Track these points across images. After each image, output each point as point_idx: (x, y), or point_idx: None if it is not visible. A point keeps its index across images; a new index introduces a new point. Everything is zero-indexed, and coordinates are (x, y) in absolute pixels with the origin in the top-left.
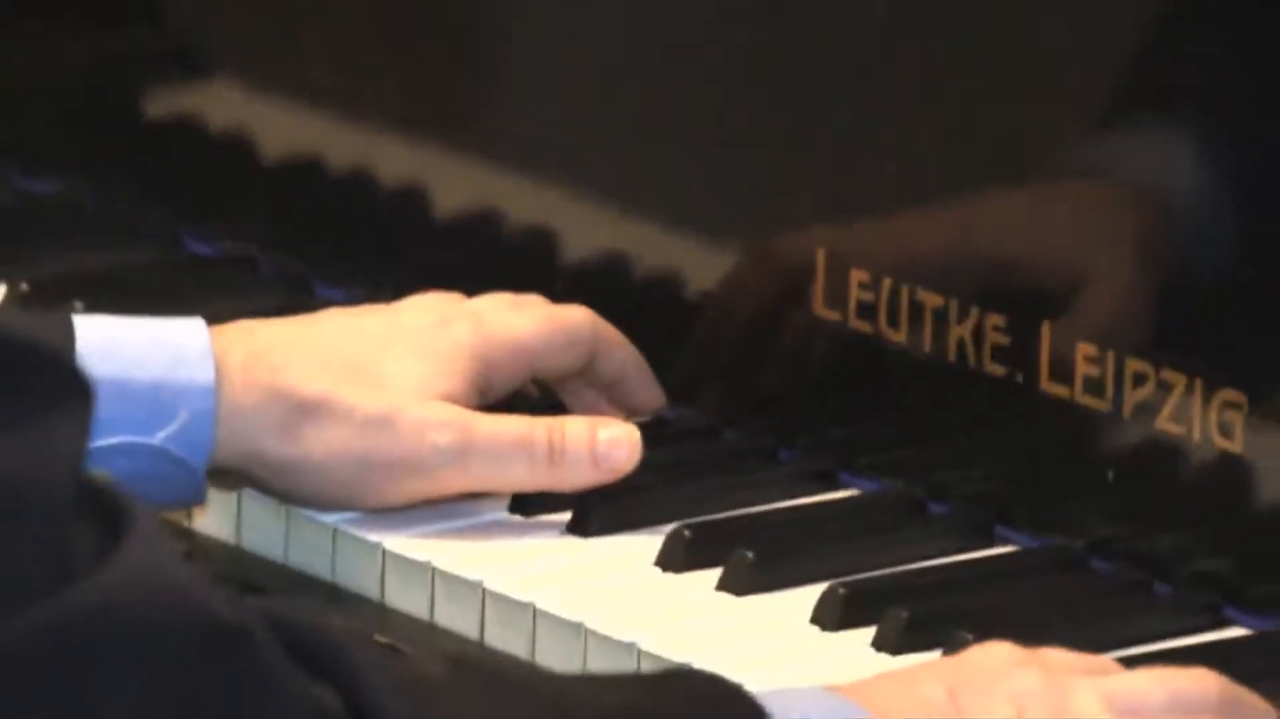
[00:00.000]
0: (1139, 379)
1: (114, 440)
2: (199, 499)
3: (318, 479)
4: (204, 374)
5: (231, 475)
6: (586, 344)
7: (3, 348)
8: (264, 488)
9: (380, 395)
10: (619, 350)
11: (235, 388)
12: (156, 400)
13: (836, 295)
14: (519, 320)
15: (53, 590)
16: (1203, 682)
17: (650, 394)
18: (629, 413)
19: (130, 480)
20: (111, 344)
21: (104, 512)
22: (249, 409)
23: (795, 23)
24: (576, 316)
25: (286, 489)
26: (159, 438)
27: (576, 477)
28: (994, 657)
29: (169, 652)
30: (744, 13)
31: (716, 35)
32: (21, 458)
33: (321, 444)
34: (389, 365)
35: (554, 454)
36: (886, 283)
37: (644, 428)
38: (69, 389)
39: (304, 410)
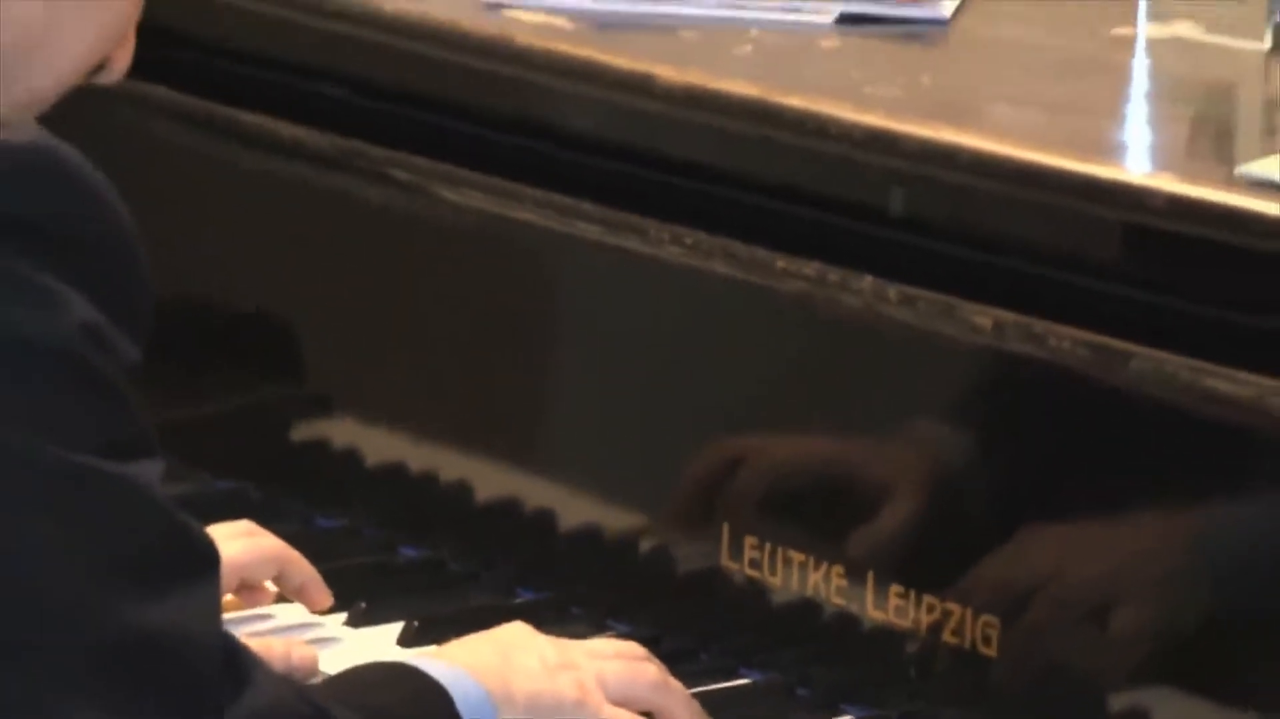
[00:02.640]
0: (930, 608)
1: None
2: None
3: None
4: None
5: None
6: (274, 561)
7: (159, 525)
8: None
9: None
10: (299, 566)
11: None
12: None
13: (736, 552)
14: (233, 547)
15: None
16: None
17: (323, 597)
18: (311, 608)
19: None
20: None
21: (233, 659)
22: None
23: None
24: (268, 542)
25: None
26: None
27: None
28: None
29: None
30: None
31: (679, 374)
32: (179, 616)
33: None
34: None
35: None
36: (768, 545)
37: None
38: (204, 559)
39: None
